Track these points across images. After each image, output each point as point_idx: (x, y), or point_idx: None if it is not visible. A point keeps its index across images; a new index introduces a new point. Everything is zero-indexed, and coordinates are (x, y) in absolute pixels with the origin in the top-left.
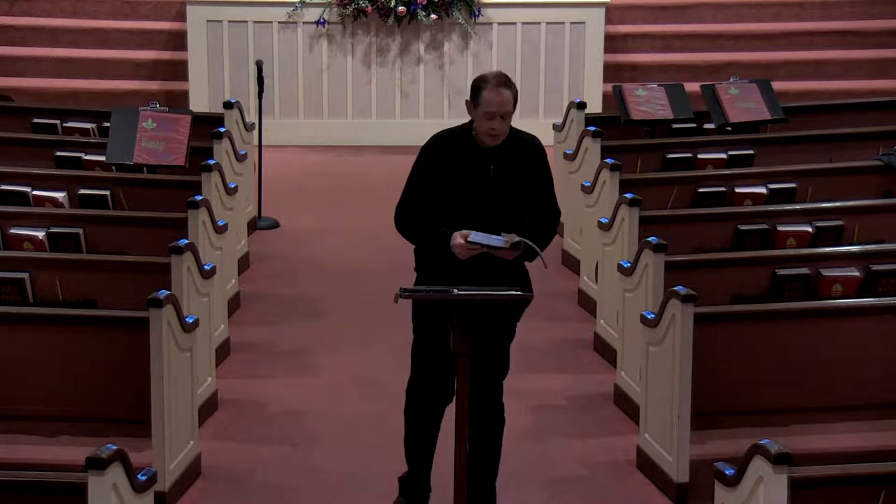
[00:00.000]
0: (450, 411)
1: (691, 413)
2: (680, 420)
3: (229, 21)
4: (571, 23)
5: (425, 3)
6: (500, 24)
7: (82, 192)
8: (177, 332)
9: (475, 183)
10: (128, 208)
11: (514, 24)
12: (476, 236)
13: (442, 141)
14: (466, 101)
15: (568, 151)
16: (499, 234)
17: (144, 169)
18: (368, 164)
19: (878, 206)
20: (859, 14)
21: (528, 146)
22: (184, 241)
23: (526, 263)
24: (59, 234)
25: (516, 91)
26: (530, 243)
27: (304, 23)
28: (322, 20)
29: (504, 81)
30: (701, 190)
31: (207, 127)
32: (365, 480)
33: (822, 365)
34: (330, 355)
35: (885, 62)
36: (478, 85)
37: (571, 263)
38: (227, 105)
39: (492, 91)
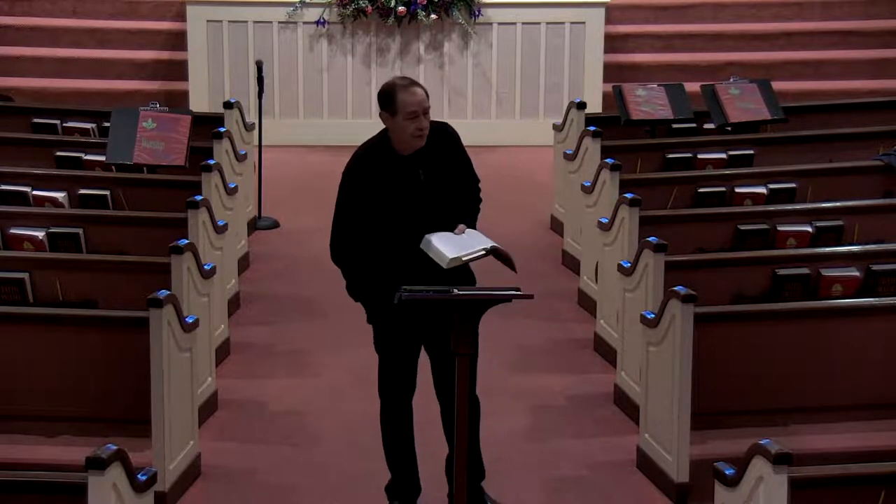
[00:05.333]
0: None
1: (691, 413)
2: (680, 420)
3: (229, 21)
4: (571, 23)
5: (425, 3)
6: (500, 24)
7: (82, 192)
8: (177, 332)
9: (408, 192)
10: (128, 208)
11: (514, 24)
12: (444, 246)
13: (363, 160)
14: (380, 113)
15: (568, 151)
16: (447, 231)
17: (144, 169)
18: None
19: (878, 206)
20: (859, 14)
21: (443, 135)
22: (184, 241)
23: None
24: (59, 234)
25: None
26: (499, 247)
27: (304, 23)
28: (322, 20)
29: (412, 81)
30: (701, 190)
31: (207, 127)
32: (365, 480)
33: (822, 365)
34: (330, 355)
35: (885, 62)
36: (387, 92)
37: (571, 263)
38: (227, 105)
39: (406, 93)
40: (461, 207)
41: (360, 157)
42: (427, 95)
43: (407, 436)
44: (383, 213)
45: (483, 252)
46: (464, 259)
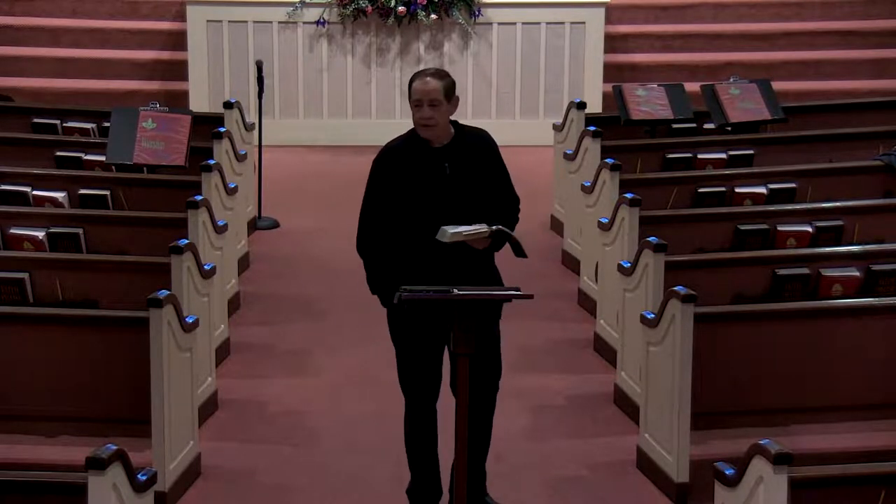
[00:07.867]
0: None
1: (691, 413)
2: (680, 420)
3: (229, 21)
4: (571, 23)
5: (425, 3)
6: (500, 24)
7: (82, 192)
8: (177, 332)
9: (433, 184)
10: (128, 208)
11: (514, 24)
12: (453, 228)
13: (392, 150)
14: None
15: (568, 151)
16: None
17: (144, 169)
18: (368, 164)
19: (878, 206)
20: (859, 14)
21: (479, 139)
22: (184, 241)
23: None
24: (59, 234)
25: (450, 83)
26: (505, 229)
27: (304, 23)
28: (322, 20)
29: (433, 73)
30: (701, 190)
31: (207, 127)
32: (365, 480)
33: (822, 365)
34: (330, 355)
35: (885, 62)
36: (410, 79)
37: (571, 263)
38: (227, 105)
39: (418, 81)
40: (494, 215)
41: (391, 147)
42: (446, 91)
43: (429, 438)
44: (408, 203)
45: (485, 230)
46: (464, 234)
